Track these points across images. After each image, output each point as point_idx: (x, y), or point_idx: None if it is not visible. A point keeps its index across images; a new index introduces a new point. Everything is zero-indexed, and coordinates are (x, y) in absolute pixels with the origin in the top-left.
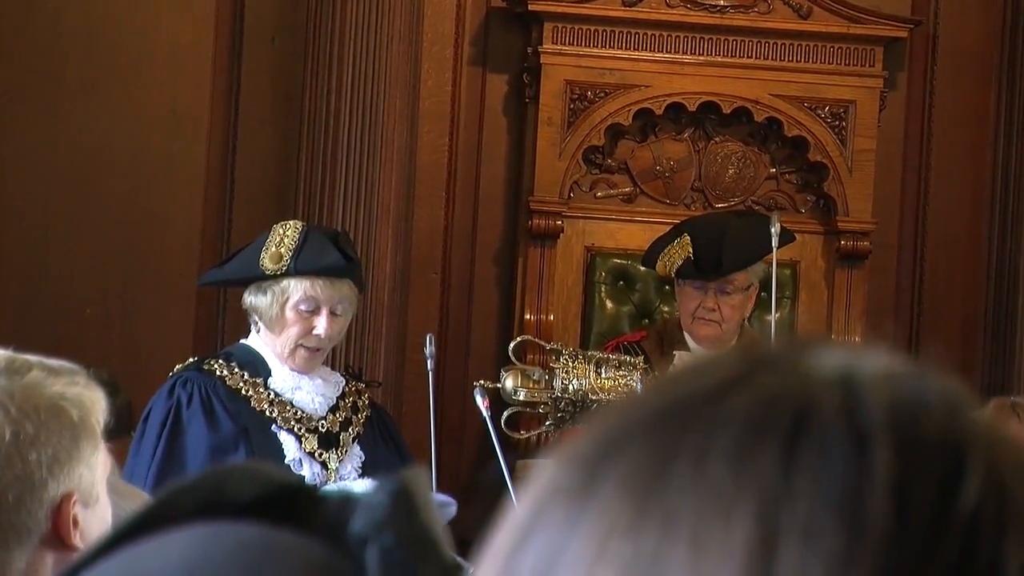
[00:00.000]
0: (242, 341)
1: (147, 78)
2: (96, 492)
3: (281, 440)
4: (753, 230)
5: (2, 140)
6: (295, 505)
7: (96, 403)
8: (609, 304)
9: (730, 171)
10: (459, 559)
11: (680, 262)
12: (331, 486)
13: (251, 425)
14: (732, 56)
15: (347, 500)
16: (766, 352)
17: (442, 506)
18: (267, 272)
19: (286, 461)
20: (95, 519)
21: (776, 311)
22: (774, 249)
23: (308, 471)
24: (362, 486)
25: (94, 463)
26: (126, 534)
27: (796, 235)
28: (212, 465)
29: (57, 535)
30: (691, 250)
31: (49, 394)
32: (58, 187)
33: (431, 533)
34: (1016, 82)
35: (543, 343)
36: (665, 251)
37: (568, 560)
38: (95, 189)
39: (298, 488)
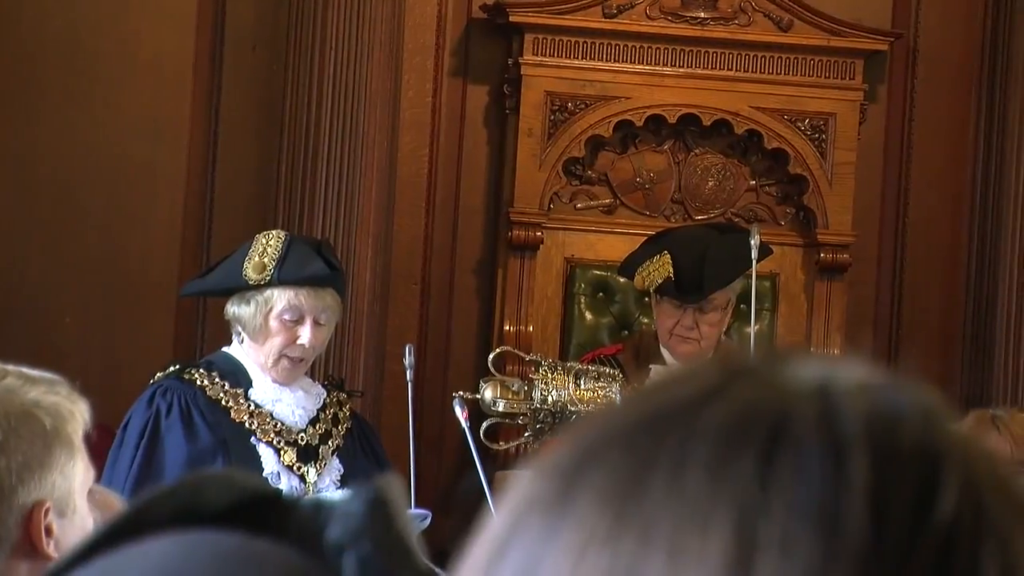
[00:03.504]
0: (224, 350)
1: (128, 87)
2: (73, 502)
3: (260, 452)
4: (733, 248)
5: None
6: (269, 513)
7: (75, 413)
8: (589, 315)
9: (710, 183)
10: (434, 568)
11: (660, 281)
12: (307, 496)
13: (230, 437)
14: (712, 68)
15: (320, 508)
16: (743, 364)
17: (418, 519)
18: (250, 282)
19: (264, 474)
20: (73, 529)
21: (755, 323)
22: (754, 262)
23: (286, 484)
24: (340, 496)
25: (70, 472)
26: (102, 542)
27: (776, 247)
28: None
29: (29, 543)
30: (671, 270)
31: (22, 401)
32: (38, 195)
33: (407, 541)
34: (996, 95)
35: (522, 354)
36: (644, 266)
37: (546, 571)
38: (75, 197)
39: (271, 496)
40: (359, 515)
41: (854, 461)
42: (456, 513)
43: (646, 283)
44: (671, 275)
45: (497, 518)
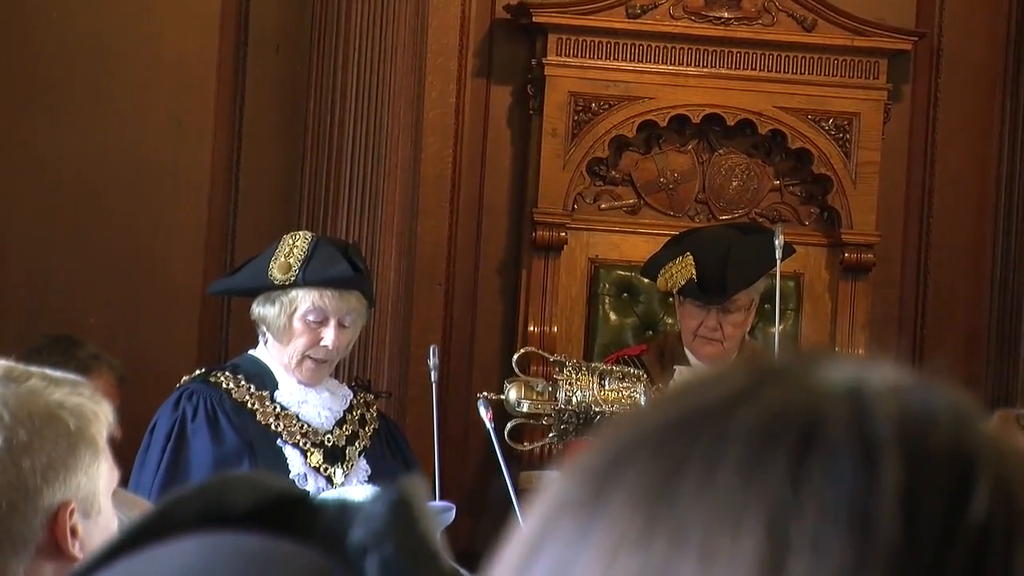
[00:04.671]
0: (250, 352)
1: (152, 88)
2: (98, 503)
3: (286, 454)
4: (755, 248)
5: (7, 149)
6: (292, 514)
7: (99, 414)
8: (613, 316)
9: (734, 183)
10: (459, 569)
11: (683, 282)
12: (328, 492)
13: (256, 439)
14: (736, 68)
15: (344, 509)
16: (774, 365)
17: (442, 511)
18: (276, 282)
19: (291, 476)
20: (97, 530)
21: (780, 323)
22: (778, 262)
23: (313, 485)
24: (359, 492)
25: (94, 473)
26: (126, 543)
27: (800, 247)
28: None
29: (55, 544)
30: (694, 272)
31: (46, 402)
32: (63, 196)
33: (431, 543)
34: (1020, 94)
35: (547, 355)
36: (666, 268)
37: (578, 573)
38: (100, 198)
39: (295, 497)
40: (382, 517)
41: (886, 463)
42: (486, 515)
43: (669, 285)
44: (694, 276)
45: (529, 519)
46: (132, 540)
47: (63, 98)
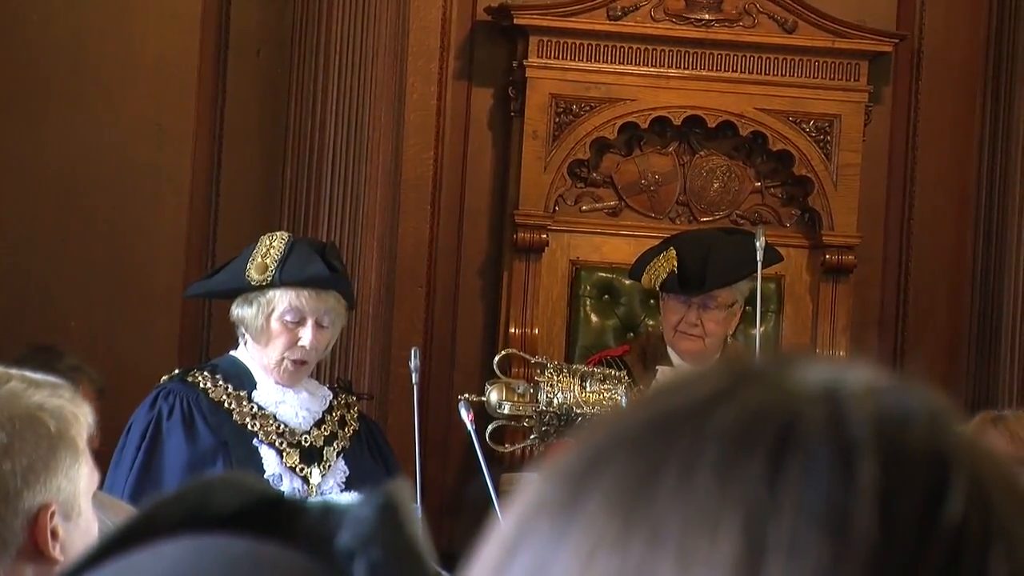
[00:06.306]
0: (230, 353)
1: (132, 91)
2: (78, 505)
3: (262, 454)
4: (739, 248)
5: None
6: (276, 516)
7: (79, 416)
8: (594, 318)
9: (715, 185)
10: (443, 572)
11: (664, 275)
12: (314, 499)
13: (231, 439)
14: (717, 70)
15: (328, 512)
16: (751, 366)
17: None
18: (253, 283)
19: (266, 475)
20: (78, 532)
21: (761, 325)
22: (759, 263)
23: (288, 485)
24: (347, 500)
25: (74, 475)
26: (112, 546)
27: (781, 249)
28: (189, 479)
29: (35, 547)
30: (675, 264)
31: (26, 404)
32: (43, 199)
33: (417, 547)
34: (1000, 96)
35: (528, 356)
36: (651, 264)
37: (555, 574)
38: (80, 201)
39: (279, 500)
40: (369, 521)
41: (862, 464)
42: (462, 515)
43: (652, 281)
44: (674, 270)
45: (506, 521)
46: (117, 543)
47: (43, 101)
